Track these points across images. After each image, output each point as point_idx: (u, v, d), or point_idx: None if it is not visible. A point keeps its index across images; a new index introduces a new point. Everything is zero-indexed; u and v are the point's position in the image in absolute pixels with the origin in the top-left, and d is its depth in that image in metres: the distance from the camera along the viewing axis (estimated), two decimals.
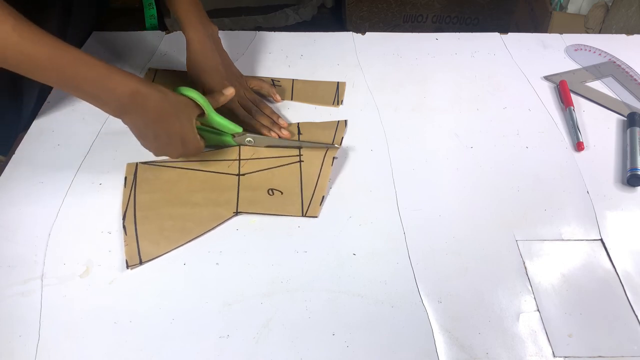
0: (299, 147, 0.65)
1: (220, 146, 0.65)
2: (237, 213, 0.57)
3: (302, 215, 0.57)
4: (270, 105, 0.72)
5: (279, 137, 0.66)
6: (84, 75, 0.50)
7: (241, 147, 0.65)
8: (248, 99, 0.69)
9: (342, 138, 0.68)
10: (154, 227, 0.56)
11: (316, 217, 0.58)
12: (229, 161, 0.63)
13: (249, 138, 0.64)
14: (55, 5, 0.71)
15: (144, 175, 0.61)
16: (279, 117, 0.69)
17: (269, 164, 0.63)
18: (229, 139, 0.63)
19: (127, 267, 0.52)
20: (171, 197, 0.59)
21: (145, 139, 0.57)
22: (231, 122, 0.62)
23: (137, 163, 0.62)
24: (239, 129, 0.63)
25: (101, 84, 0.51)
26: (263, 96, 0.74)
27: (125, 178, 0.61)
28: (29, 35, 0.46)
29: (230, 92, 0.63)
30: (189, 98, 0.58)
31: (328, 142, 0.67)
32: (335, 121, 0.71)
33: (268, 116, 0.68)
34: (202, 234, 0.56)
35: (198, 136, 0.59)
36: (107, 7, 0.88)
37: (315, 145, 0.65)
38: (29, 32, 0.46)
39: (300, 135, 0.69)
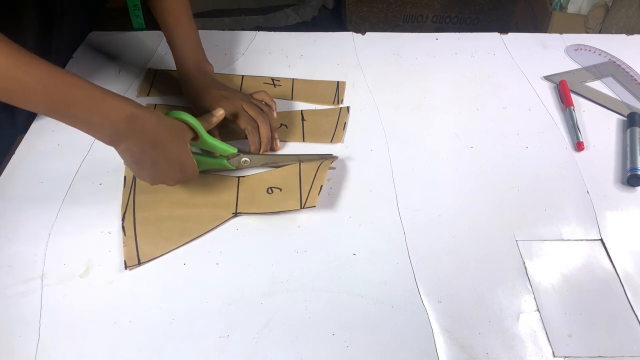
0: (299, 162, 0.63)
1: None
2: (236, 214, 0.58)
3: (301, 207, 0.57)
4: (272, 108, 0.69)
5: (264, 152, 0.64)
6: (75, 99, 0.46)
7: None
8: (247, 112, 0.64)
9: (346, 123, 0.70)
10: (153, 228, 0.56)
11: (314, 206, 0.57)
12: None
13: (244, 158, 0.61)
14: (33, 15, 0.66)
15: None
16: (274, 139, 0.66)
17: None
18: (224, 161, 0.61)
19: (126, 267, 0.53)
20: (171, 197, 0.59)
21: (142, 167, 0.54)
22: (225, 144, 0.60)
23: None
24: (234, 150, 0.60)
25: (94, 109, 0.47)
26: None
27: (125, 177, 0.61)
28: (16, 56, 0.43)
29: (220, 113, 0.60)
30: (181, 121, 0.55)
31: (331, 129, 0.68)
32: (338, 107, 0.73)
33: (262, 135, 0.64)
34: (200, 235, 0.56)
35: (194, 160, 0.56)
36: (97, 14, 0.84)
37: (314, 157, 0.63)
38: (15, 53, 0.43)
39: (304, 122, 0.70)
